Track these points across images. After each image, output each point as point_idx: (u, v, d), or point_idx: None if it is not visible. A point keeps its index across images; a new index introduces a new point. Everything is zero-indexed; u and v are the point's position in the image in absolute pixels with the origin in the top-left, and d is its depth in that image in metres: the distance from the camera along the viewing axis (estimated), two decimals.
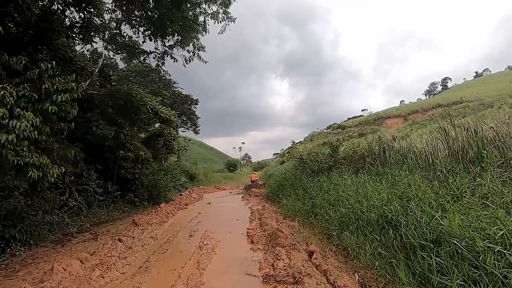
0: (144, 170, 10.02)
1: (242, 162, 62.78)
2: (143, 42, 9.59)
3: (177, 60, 9.66)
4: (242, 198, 12.07)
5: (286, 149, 50.10)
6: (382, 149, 6.97)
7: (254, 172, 21.44)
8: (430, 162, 4.85)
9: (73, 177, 7.38)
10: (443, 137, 4.77)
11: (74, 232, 5.83)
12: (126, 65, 18.70)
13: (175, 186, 15.82)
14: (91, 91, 9.74)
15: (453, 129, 4.80)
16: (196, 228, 5.90)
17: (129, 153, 9.31)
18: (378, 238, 3.30)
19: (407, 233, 2.92)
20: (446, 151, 4.67)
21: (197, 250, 4.31)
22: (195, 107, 20.35)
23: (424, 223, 2.87)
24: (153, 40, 9.32)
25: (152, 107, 10.53)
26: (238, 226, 5.94)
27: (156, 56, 9.88)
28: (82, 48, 10.89)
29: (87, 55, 13.13)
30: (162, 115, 11.12)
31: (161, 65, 10.35)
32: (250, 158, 72.50)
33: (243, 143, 78.77)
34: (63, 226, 5.88)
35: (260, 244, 4.47)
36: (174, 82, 19.94)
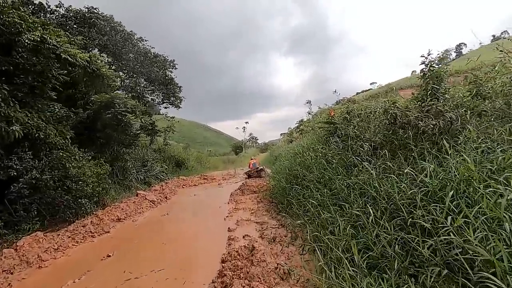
0: (37, 162, 5.38)
1: (247, 143, 58.26)
2: None
3: None
4: (231, 196, 7.45)
5: (294, 126, 45.06)
6: None
7: (253, 157, 16.74)
8: None
9: None
10: None
11: None
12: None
13: (144, 179, 11.38)
14: None
15: None
16: None
17: None
18: None
19: None
20: None
21: None
22: (171, 71, 15.22)
23: None
24: None
25: (42, 38, 5.64)
26: None
27: None
28: None
29: None
30: (74, 60, 6.27)
31: None
32: (257, 139, 67.90)
33: (246, 122, 73.91)
34: None
35: None
36: (142, 39, 14.77)
